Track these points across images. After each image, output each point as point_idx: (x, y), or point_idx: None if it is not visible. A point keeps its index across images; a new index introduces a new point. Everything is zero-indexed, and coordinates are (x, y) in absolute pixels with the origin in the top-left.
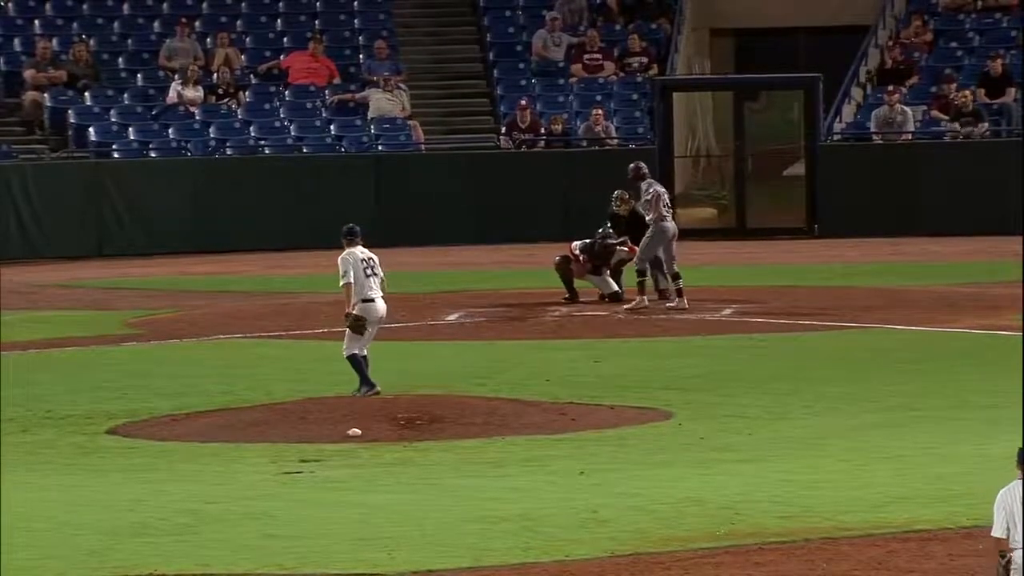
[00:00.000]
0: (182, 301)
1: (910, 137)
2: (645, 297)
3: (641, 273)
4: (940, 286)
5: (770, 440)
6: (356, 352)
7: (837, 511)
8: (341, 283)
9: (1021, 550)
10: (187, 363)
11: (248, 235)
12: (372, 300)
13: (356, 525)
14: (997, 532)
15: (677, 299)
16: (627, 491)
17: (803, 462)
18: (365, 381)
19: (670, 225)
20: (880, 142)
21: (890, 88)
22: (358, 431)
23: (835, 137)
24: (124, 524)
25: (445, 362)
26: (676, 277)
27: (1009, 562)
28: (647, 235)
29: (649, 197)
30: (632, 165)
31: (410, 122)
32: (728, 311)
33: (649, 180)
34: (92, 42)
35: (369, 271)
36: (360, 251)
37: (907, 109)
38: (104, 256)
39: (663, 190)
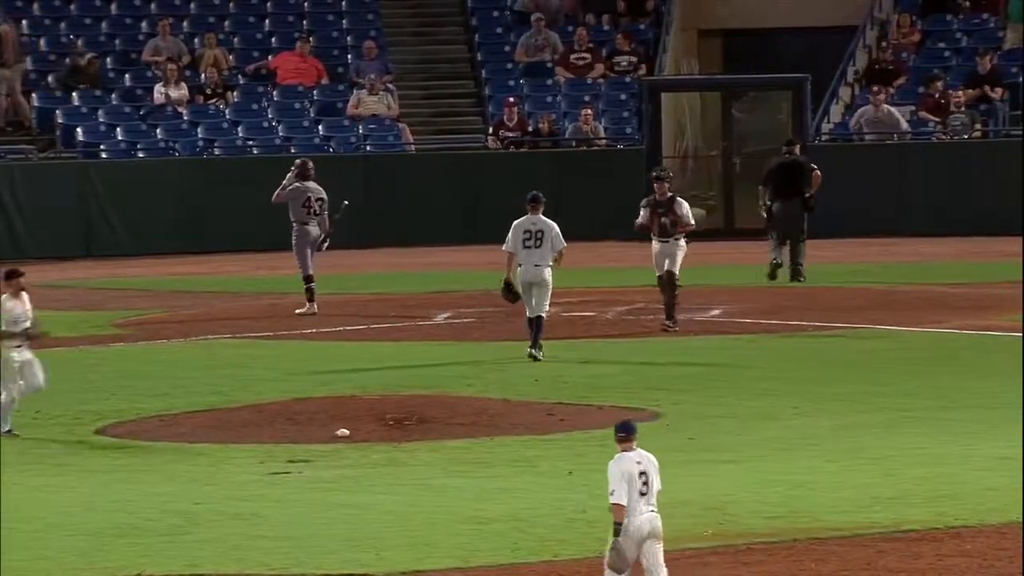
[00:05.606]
0: (170, 302)
1: (907, 137)
2: (314, 304)
3: (308, 279)
4: (928, 286)
5: (758, 441)
6: (529, 315)
7: (825, 511)
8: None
9: (627, 516)
10: (175, 364)
11: (236, 236)
12: (520, 265)
13: (344, 526)
14: (620, 499)
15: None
16: None
17: (791, 463)
18: (532, 342)
19: (310, 229)
20: (868, 142)
21: (875, 88)
22: (346, 431)
23: (823, 138)
24: (112, 525)
25: (434, 363)
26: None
27: (617, 545)
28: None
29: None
30: (298, 160)
31: (399, 123)
32: (716, 311)
33: (312, 182)
34: (80, 42)
35: (530, 241)
36: (530, 220)
37: (893, 110)
38: (92, 256)
39: (314, 194)
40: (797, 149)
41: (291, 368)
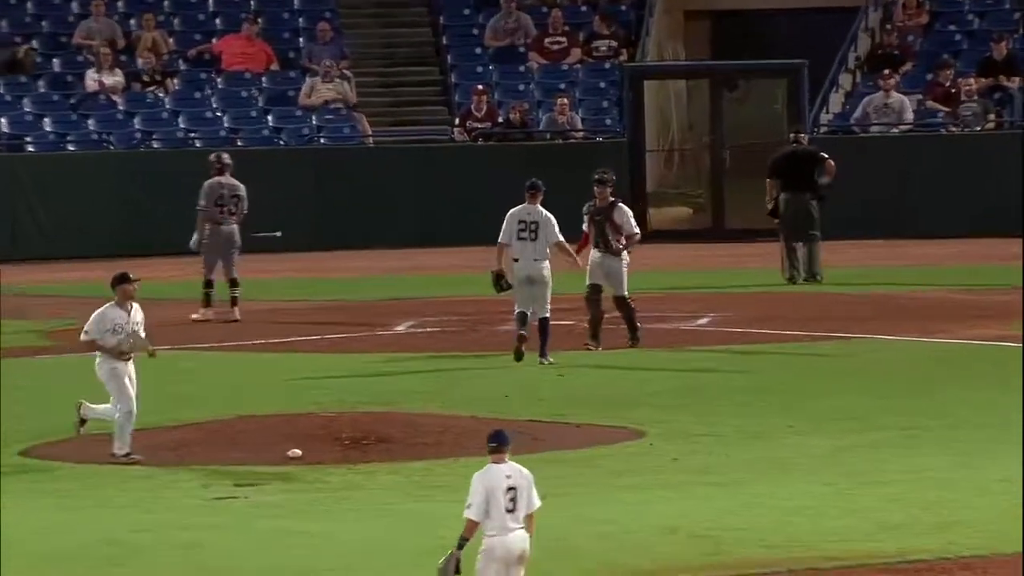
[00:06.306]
0: None
1: (910, 127)
2: (210, 310)
3: (208, 284)
4: (933, 292)
5: (749, 462)
6: (520, 309)
7: (823, 540)
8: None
9: (497, 536)
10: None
11: (177, 237)
12: (516, 260)
13: (297, 556)
14: (474, 515)
15: None
16: (595, 517)
17: (785, 486)
18: (517, 337)
19: (223, 229)
20: (871, 135)
21: (886, 72)
22: (298, 452)
23: (822, 129)
24: (41, 554)
25: (394, 376)
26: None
27: (459, 561)
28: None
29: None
30: (211, 156)
31: (355, 113)
32: (704, 320)
33: (227, 177)
34: (3, 23)
35: (524, 232)
36: (525, 210)
37: (904, 98)
38: (19, 259)
39: (228, 190)
40: (805, 138)
41: (237, 382)
